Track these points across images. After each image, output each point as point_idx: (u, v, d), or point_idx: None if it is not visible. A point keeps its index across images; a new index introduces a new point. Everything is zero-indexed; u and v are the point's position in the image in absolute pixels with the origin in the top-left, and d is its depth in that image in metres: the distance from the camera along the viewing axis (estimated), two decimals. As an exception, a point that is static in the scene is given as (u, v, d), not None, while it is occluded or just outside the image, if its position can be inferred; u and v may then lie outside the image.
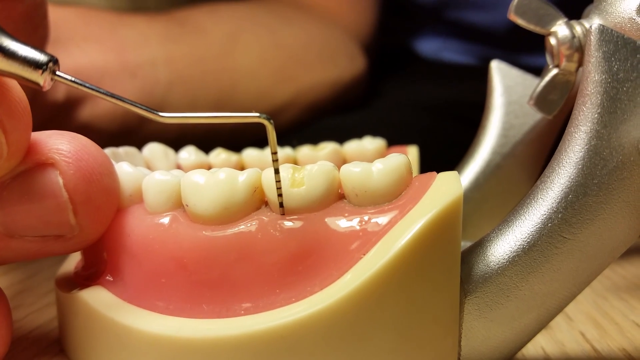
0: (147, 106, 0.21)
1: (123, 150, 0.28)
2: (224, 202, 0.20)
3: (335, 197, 0.21)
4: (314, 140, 0.36)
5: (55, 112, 0.40)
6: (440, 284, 0.20)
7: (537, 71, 0.32)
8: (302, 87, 0.55)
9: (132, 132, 0.45)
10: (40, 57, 0.19)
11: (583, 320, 0.26)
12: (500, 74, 0.31)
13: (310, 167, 0.21)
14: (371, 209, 0.20)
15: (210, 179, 0.21)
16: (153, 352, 0.20)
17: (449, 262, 0.20)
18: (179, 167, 0.31)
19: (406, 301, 0.19)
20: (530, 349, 0.23)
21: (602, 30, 0.20)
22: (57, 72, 0.19)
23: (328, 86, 0.57)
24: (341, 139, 0.35)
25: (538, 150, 0.31)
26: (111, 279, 0.22)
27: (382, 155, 0.32)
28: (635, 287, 0.30)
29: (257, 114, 0.20)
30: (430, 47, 0.68)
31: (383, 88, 0.63)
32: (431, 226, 0.19)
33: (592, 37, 0.20)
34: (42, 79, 0.19)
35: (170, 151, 0.30)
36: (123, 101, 0.20)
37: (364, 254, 0.20)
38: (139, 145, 0.30)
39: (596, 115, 0.20)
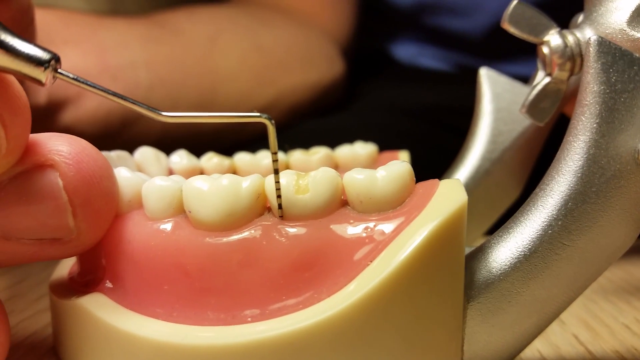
0: (147, 105, 0.20)
1: (115, 154, 0.28)
2: (227, 208, 0.20)
3: (339, 204, 0.21)
4: (294, 142, 0.36)
5: (36, 116, 0.39)
6: (445, 290, 0.20)
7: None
8: (282, 89, 0.55)
9: (114, 136, 0.45)
10: (42, 54, 0.19)
11: (575, 323, 0.26)
12: (489, 80, 0.31)
13: (314, 173, 0.21)
14: (375, 215, 0.20)
15: (213, 185, 0.21)
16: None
17: (454, 268, 0.20)
18: (170, 171, 0.30)
19: (412, 308, 0.20)
20: (527, 352, 0.24)
21: (601, 42, 0.21)
22: (59, 70, 0.19)
23: (308, 89, 0.57)
24: (321, 141, 0.35)
25: (526, 157, 0.31)
26: (111, 285, 0.22)
27: (374, 160, 0.32)
28: (622, 290, 0.30)
29: (259, 114, 0.20)
30: (406, 52, 0.68)
31: (360, 91, 0.64)
32: (437, 233, 0.19)
33: (591, 49, 0.21)
34: (44, 76, 0.19)
35: (161, 155, 0.30)
36: (125, 100, 0.20)
37: (371, 261, 0.20)
38: (120, 149, 0.29)
39: (595, 125, 0.21)
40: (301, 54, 0.57)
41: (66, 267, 0.26)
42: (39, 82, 0.19)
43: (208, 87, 0.51)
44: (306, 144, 0.34)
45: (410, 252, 0.19)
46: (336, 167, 0.32)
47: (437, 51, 0.67)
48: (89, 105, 0.43)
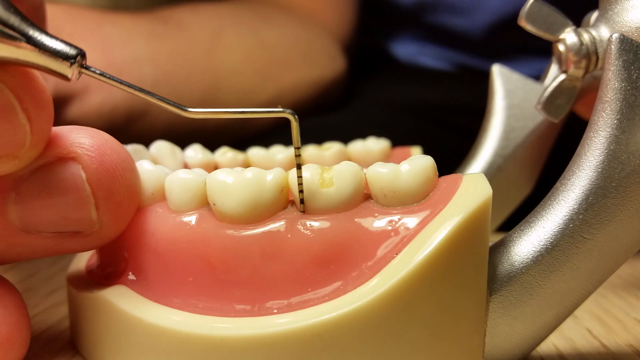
0: (173, 102, 0.21)
1: (131, 147, 0.28)
2: (252, 201, 0.21)
3: (362, 198, 0.21)
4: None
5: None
6: (469, 283, 0.20)
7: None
8: (284, 86, 0.55)
9: (119, 131, 0.45)
10: (69, 50, 0.19)
11: (587, 318, 0.27)
12: (501, 77, 0.31)
13: (337, 167, 0.21)
14: (399, 209, 0.21)
15: (238, 178, 0.21)
16: (185, 351, 0.20)
17: (478, 262, 0.20)
18: (185, 165, 0.30)
19: (437, 300, 0.20)
20: (543, 346, 0.24)
21: (623, 39, 0.21)
22: (85, 65, 0.19)
23: (310, 86, 0.57)
24: (323, 138, 0.35)
25: (538, 153, 0.32)
26: (134, 278, 0.22)
27: (386, 155, 0.32)
28: (630, 285, 0.31)
29: (282, 109, 0.20)
30: (407, 51, 0.69)
31: (361, 89, 0.64)
32: (463, 227, 0.20)
33: (612, 46, 0.21)
34: (70, 71, 0.19)
35: (177, 149, 0.30)
36: (151, 96, 0.20)
37: (397, 254, 0.20)
38: (125, 144, 0.29)
39: (615, 121, 0.21)
40: (303, 50, 0.57)
41: (83, 260, 0.26)
42: (65, 78, 0.19)
43: (212, 83, 0.51)
44: (308, 141, 0.35)
45: (436, 245, 0.19)
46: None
47: (437, 50, 0.67)
48: (94, 101, 0.43)
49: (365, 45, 0.69)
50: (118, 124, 0.45)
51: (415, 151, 0.33)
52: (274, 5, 0.60)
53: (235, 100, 0.52)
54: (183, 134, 0.45)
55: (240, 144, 0.40)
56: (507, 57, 0.63)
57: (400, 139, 0.43)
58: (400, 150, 0.33)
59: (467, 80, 0.64)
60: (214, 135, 0.50)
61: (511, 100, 0.31)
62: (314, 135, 0.40)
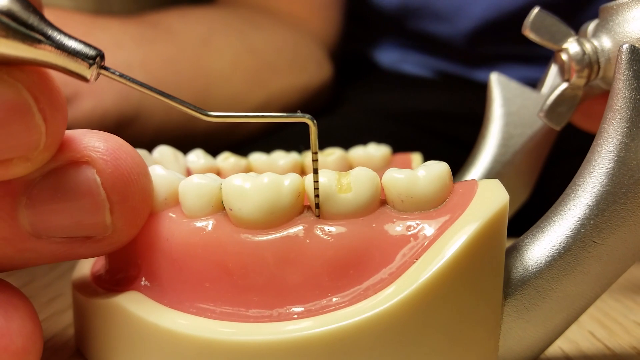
0: (195, 105, 0.21)
1: (135, 152, 0.28)
2: (270, 206, 0.21)
3: (378, 203, 0.21)
4: (284, 145, 0.36)
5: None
6: (486, 288, 0.20)
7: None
8: (273, 92, 0.55)
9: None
10: (88, 50, 0.18)
11: (588, 321, 0.27)
12: (499, 85, 0.32)
13: (354, 172, 0.21)
14: (417, 214, 0.21)
15: (255, 183, 0.21)
16: (203, 358, 0.20)
17: (495, 267, 0.20)
18: (188, 170, 0.30)
19: (455, 305, 0.20)
20: (549, 349, 0.24)
21: (633, 49, 0.22)
22: (103, 66, 0.19)
23: (298, 91, 0.57)
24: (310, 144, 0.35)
25: (535, 160, 0.32)
26: (148, 284, 0.22)
27: (387, 161, 0.32)
28: (626, 289, 0.32)
29: (302, 114, 0.20)
30: (389, 58, 0.69)
31: (346, 96, 0.64)
32: (482, 232, 0.20)
33: (623, 56, 0.22)
34: (89, 72, 0.19)
35: (179, 154, 0.30)
36: (172, 99, 0.20)
37: (416, 259, 0.20)
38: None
39: (625, 129, 0.21)
40: (291, 56, 0.57)
41: (87, 266, 0.26)
42: (84, 79, 0.19)
43: (201, 88, 0.51)
44: (295, 147, 0.35)
45: (455, 251, 0.20)
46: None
47: (419, 57, 0.68)
48: (85, 106, 0.43)
49: (349, 52, 0.70)
50: (108, 130, 0.44)
51: (416, 158, 0.33)
52: (262, 12, 0.60)
53: (224, 106, 0.52)
54: (172, 139, 0.45)
55: (230, 149, 0.40)
56: (488, 65, 0.64)
57: (390, 144, 0.43)
58: (400, 157, 0.33)
59: (448, 87, 0.65)
60: (203, 141, 0.50)
61: (509, 108, 0.32)
62: (301, 141, 0.40)
